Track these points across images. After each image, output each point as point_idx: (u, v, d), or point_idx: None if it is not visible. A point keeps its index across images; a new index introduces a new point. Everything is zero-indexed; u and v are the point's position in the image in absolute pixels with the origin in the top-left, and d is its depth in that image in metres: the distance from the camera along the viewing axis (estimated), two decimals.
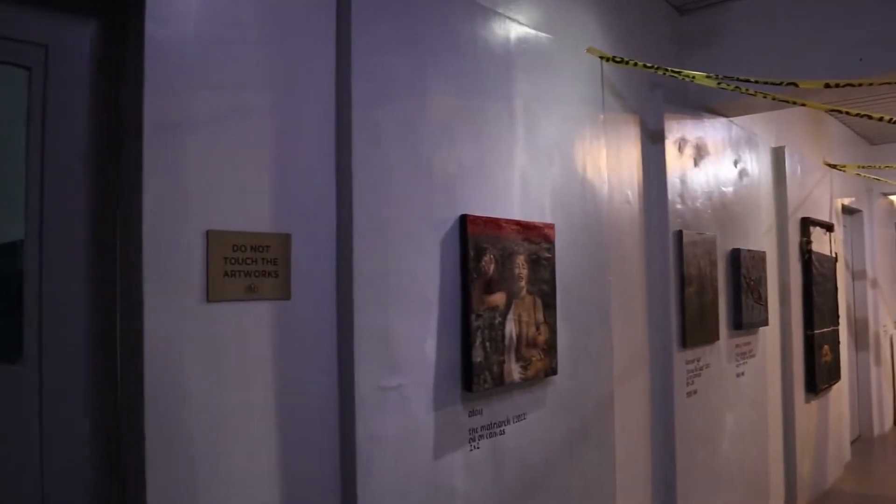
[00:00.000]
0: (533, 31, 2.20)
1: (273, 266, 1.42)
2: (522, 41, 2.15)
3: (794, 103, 2.69)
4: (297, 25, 1.53)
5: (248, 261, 1.37)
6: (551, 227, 2.20)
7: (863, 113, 2.91)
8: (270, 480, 1.42)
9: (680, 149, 3.10)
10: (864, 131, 6.48)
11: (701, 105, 3.36)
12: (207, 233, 1.34)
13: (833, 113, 4.01)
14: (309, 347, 1.50)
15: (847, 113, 2.90)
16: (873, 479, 4.83)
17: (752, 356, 3.64)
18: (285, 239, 1.46)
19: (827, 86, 2.75)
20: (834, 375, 4.81)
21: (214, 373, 1.36)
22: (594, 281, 2.45)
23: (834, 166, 5.38)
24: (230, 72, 1.43)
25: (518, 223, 2.04)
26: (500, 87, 2.05)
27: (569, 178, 2.38)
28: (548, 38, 2.26)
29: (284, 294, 1.45)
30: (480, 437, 1.84)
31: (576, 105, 2.47)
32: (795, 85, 2.71)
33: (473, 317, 1.81)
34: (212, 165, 1.38)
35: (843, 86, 2.74)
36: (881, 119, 2.71)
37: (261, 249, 1.40)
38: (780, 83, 2.72)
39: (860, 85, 2.77)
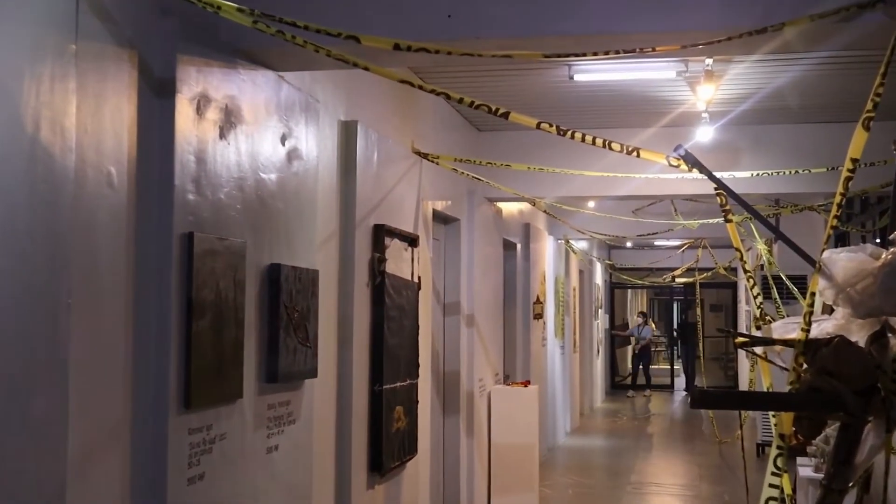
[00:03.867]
0: None
1: None
2: None
3: (356, 65, 3.34)
4: None
5: None
6: None
7: (440, 90, 3.82)
8: None
9: (200, 110, 3.54)
10: (470, 112, 8.20)
11: (237, 48, 3.87)
12: None
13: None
14: None
15: (420, 87, 3.77)
16: None
17: (293, 422, 4.31)
18: None
19: (397, 47, 3.53)
20: (410, 448, 5.92)
21: None
22: (36, 308, 2.67)
23: (426, 156, 6.66)
24: None
25: None
26: None
27: (4, 141, 2.57)
28: None
29: None
30: None
31: (25, 21, 2.68)
32: (357, 40, 3.41)
33: None
34: None
35: (417, 50, 3.54)
36: (461, 101, 3.61)
37: None
38: (339, 35, 3.38)
39: (437, 52, 3.62)
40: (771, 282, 9.93)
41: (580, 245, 15.91)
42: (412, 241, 6.15)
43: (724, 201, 3.12)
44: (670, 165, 3.18)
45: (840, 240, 10.76)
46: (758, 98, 7.56)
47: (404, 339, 5.87)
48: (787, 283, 9.84)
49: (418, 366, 6.18)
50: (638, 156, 3.25)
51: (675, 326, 26.14)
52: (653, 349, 23.80)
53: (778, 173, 7.15)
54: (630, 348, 22.90)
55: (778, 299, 9.74)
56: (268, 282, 4.07)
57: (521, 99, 7.65)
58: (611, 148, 3.16)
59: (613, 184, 8.22)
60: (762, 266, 11.23)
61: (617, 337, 22.96)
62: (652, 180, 7.78)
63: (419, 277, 6.26)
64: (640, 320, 22.95)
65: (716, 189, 3.13)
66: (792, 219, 10.81)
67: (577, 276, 16.54)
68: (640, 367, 22.39)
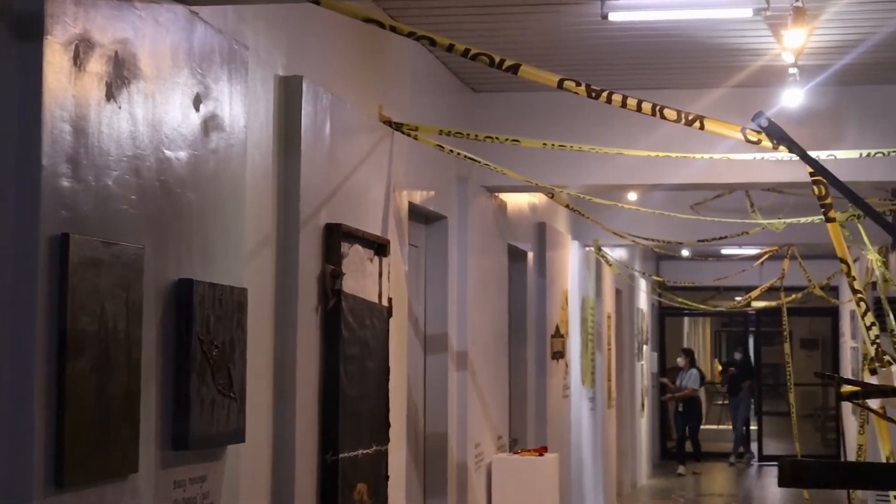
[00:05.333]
0: None
1: None
2: None
3: None
4: None
5: None
6: None
7: (421, 33, 3.82)
8: None
9: (78, 60, 3.51)
10: (464, 66, 8.22)
11: None
12: None
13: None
14: None
15: (393, 29, 3.77)
16: None
17: None
18: None
19: None
20: None
21: None
22: None
23: (399, 126, 6.66)
24: None
25: None
26: None
27: None
28: None
29: None
30: None
31: None
32: None
33: None
34: None
35: None
36: (451, 48, 3.61)
37: None
38: None
39: None
40: (886, 306, 9.98)
41: (617, 254, 15.95)
42: (380, 247, 6.14)
43: (822, 192, 3.12)
44: (747, 141, 3.18)
45: None
46: (868, 47, 7.60)
47: (369, 388, 5.85)
48: None
49: (389, 426, 6.16)
50: (702, 127, 3.24)
51: (722, 366, 26.10)
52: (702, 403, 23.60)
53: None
54: (671, 402, 22.72)
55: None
56: (175, 305, 4.05)
57: (534, 47, 7.66)
58: (663, 116, 3.15)
59: (665, 168, 8.23)
60: (874, 284, 11.29)
61: (668, 388, 22.69)
62: (719, 163, 7.80)
63: (390, 300, 6.24)
64: (683, 362, 22.54)
65: (812, 175, 3.13)
66: None
67: (614, 298, 16.57)
68: (687, 429, 22.17)
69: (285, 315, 5.12)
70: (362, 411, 5.75)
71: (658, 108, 3.23)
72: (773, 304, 15.84)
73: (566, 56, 7.91)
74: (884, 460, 3.08)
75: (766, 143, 3.19)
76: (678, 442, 22.43)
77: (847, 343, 18.31)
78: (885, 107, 8.51)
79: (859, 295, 3.40)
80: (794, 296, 15.47)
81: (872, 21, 7.16)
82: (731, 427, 24.36)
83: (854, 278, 3.29)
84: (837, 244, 3.23)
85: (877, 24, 7.21)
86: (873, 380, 3.09)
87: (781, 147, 3.17)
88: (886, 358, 3.13)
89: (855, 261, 14.16)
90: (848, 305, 17.12)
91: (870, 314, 3.36)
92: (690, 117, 3.26)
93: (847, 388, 2.79)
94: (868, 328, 3.34)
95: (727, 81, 8.40)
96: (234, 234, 4.53)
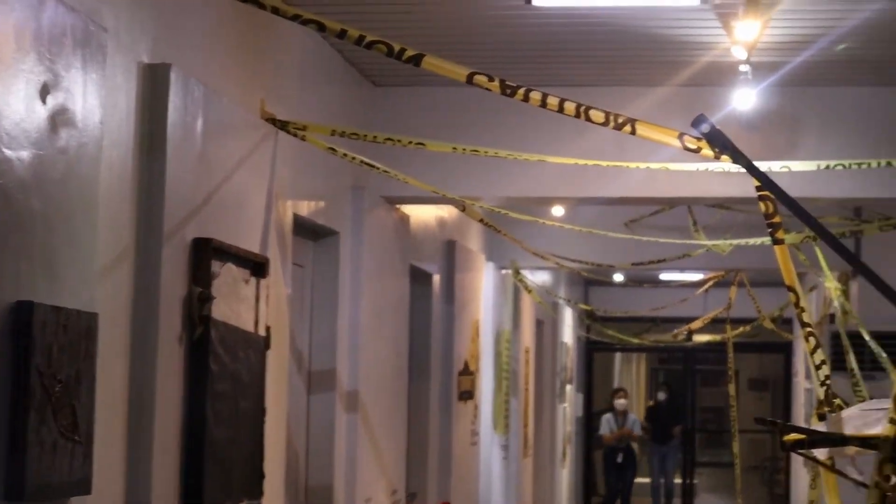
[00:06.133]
0: None
1: None
2: None
3: None
4: None
5: None
6: None
7: (308, 17, 3.85)
8: None
9: None
10: (362, 56, 8.21)
11: None
12: None
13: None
14: None
15: (276, 12, 3.79)
16: None
17: None
18: None
19: None
20: None
21: None
22: None
23: (285, 125, 6.65)
24: None
25: None
26: None
27: None
28: None
29: None
30: None
31: None
32: None
33: None
34: None
35: None
36: (343, 35, 3.64)
37: None
38: None
39: None
40: (846, 342, 10.12)
41: (539, 279, 16.03)
42: (258, 267, 6.13)
43: (770, 209, 3.18)
44: (685, 149, 3.23)
45: None
46: (830, 42, 7.70)
47: (241, 432, 5.83)
48: (872, 344, 10.00)
49: (263, 476, 6.14)
50: (633, 132, 3.28)
51: (647, 409, 25.66)
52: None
53: (861, 166, 7.29)
54: (602, 452, 22.62)
55: (856, 370, 9.92)
56: (10, 332, 4.00)
57: (450, 35, 7.67)
58: (588, 118, 3.19)
59: (595, 178, 8.30)
60: (832, 316, 11.45)
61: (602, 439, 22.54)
62: (658, 174, 7.87)
63: (268, 328, 6.23)
64: (624, 404, 22.50)
65: (758, 189, 3.19)
66: (882, 240, 11.03)
67: (534, 329, 16.66)
68: (620, 484, 22.23)
69: (143, 345, 5.08)
70: (232, 459, 5.72)
71: (583, 108, 3.28)
72: (718, 338, 16.03)
73: (486, 46, 7.94)
74: None
75: (708, 151, 3.25)
76: (608, 498, 22.55)
77: (801, 384, 18.49)
78: (850, 111, 8.61)
79: (808, 329, 3.47)
80: (741, 329, 15.66)
81: (835, 13, 7.24)
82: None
83: (803, 309, 3.36)
84: (785, 270, 3.30)
85: (840, 17, 7.29)
86: (822, 427, 3.16)
87: (724, 156, 3.23)
88: (837, 402, 3.21)
89: (812, 289, 14.40)
90: (801, 341, 17.33)
91: (820, 351, 3.43)
92: (620, 120, 3.30)
93: (792, 437, 2.86)
94: (817, 367, 3.42)
95: (672, 79, 8.46)
96: (85, 248, 4.49)
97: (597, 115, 3.29)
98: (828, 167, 7.28)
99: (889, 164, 7.29)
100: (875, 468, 2.78)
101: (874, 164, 7.24)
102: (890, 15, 7.08)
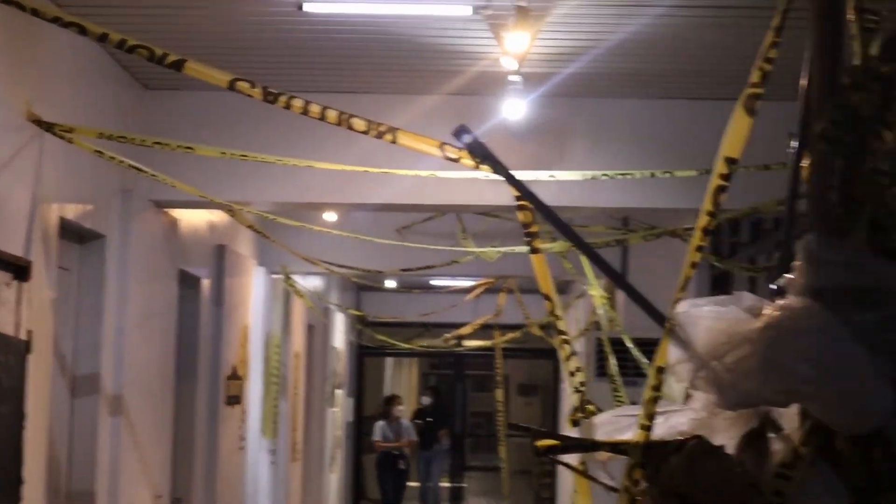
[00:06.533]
0: None
1: None
2: None
3: None
4: None
5: None
6: None
7: (69, 19, 3.81)
8: None
9: None
10: (132, 61, 8.06)
11: None
12: None
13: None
14: None
15: (36, 13, 3.75)
16: None
17: None
18: None
19: None
20: None
21: None
22: None
23: (51, 127, 6.54)
24: None
25: None
26: None
27: None
28: None
29: None
30: None
31: None
32: None
33: None
34: None
35: None
36: (104, 38, 3.61)
37: None
38: None
39: None
40: (608, 349, 10.28)
41: (310, 284, 16.03)
42: (20, 270, 6.03)
43: (529, 219, 3.24)
44: (447, 159, 3.29)
45: (719, 284, 11.28)
46: (599, 55, 7.84)
47: None
48: (635, 351, 10.14)
49: (22, 482, 6.05)
50: (394, 141, 3.32)
51: (414, 413, 25.45)
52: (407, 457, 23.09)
53: (625, 176, 7.46)
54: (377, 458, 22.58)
55: (616, 376, 10.07)
56: None
57: (218, 39, 7.59)
58: (351, 126, 3.21)
59: (365, 185, 8.31)
60: (597, 324, 11.64)
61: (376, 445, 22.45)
62: (428, 181, 7.92)
63: (30, 332, 6.14)
64: (398, 410, 22.52)
65: (518, 199, 3.25)
66: (649, 248, 11.24)
67: (305, 334, 16.64)
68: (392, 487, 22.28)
69: None
70: None
71: (345, 116, 3.31)
72: (488, 343, 16.19)
73: (260, 52, 7.90)
74: None
75: (469, 161, 3.30)
76: (383, 503, 22.55)
77: (569, 389, 18.72)
78: (618, 123, 8.75)
79: (563, 337, 3.56)
80: (510, 335, 15.84)
81: (602, 27, 7.37)
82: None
83: (558, 317, 3.45)
84: (541, 278, 3.37)
85: (608, 30, 7.42)
86: (575, 432, 3.24)
87: (484, 166, 3.29)
88: (590, 408, 3.29)
89: (580, 297, 14.63)
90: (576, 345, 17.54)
91: (575, 358, 3.53)
92: (382, 129, 3.34)
93: (545, 442, 2.92)
94: (572, 374, 3.50)
95: (444, 88, 8.50)
96: None
97: (358, 124, 3.33)
98: (594, 177, 7.42)
99: (652, 174, 7.48)
100: (625, 473, 2.87)
101: (638, 175, 7.41)
102: (656, 30, 7.25)
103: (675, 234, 8.85)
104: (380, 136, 3.31)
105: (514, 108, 7.88)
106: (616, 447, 2.92)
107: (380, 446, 22.17)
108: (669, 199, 8.52)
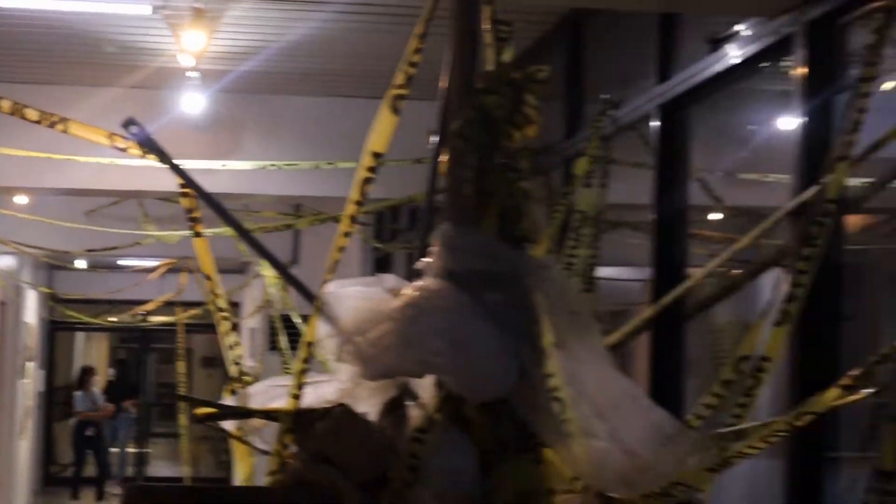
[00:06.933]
0: None
1: None
2: None
3: None
4: None
5: None
6: None
7: None
8: None
9: None
10: None
11: None
12: None
13: None
14: None
15: None
16: None
17: None
18: None
19: None
20: None
21: None
22: None
23: None
24: None
25: None
26: None
27: None
28: None
29: None
30: None
31: None
32: None
33: None
34: None
35: None
36: None
37: None
38: None
39: None
40: (279, 325, 10.33)
41: (2, 263, 15.56)
42: None
43: (191, 205, 3.20)
44: (116, 149, 3.22)
45: (382, 264, 11.47)
46: (270, 55, 7.87)
47: None
48: (302, 327, 10.23)
49: None
50: (66, 131, 3.25)
51: (109, 385, 25.02)
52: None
53: (294, 166, 7.49)
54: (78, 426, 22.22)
55: (285, 350, 10.13)
56: None
57: None
58: (23, 116, 3.13)
59: (50, 170, 8.13)
60: (270, 302, 11.68)
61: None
62: (109, 168, 7.79)
63: None
64: (95, 381, 22.35)
65: (182, 187, 3.21)
66: (319, 233, 11.30)
67: None
68: (91, 453, 21.92)
69: None
70: None
71: (19, 107, 3.21)
72: (172, 319, 15.97)
73: None
74: (243, 483, 3.23)
75: (136, 151, 3.24)
76: (76, 467, 22.05)
77: (247, 362, 18.75)
78: (291, 118, 8.83)
79: (223, 314, 3.53)
80: (192, 311, 15.69)
81: (274, 28, 7.42)
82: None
83: (218, 295, 3.42)
84: (202, 260, 3.35)
85: (278, 32, 7.48)
86: (232, 401, 3.22)
87: (151, 156, 3.24)
88: (247, 378, 3.28)
89: (256, 276, 14.59)
90: (252, 321, 17.59)
91: (233, 334, 3.51)
92: (55, 119, 3.25)
93: (203, 410, 2.89)
94: (230, 348, 3.48)
95: (125, 81, 8.40)
96: None
97: (31, 114, 3.23)
98: (264, 167, 7.42)
99: (317, 166, 7.52)
100: (276, 438, 2.85)
101: (305, 166, 7.45)
102: (322, 33, 7.32)
103: (339, 220, 8.89)
104: (52, 125, 3.23)
105: (193, 102, 7.85)
106: (268, 414, 2.90)
107: (85, 416, 21.76)
108: (334, 188, 8.58)
